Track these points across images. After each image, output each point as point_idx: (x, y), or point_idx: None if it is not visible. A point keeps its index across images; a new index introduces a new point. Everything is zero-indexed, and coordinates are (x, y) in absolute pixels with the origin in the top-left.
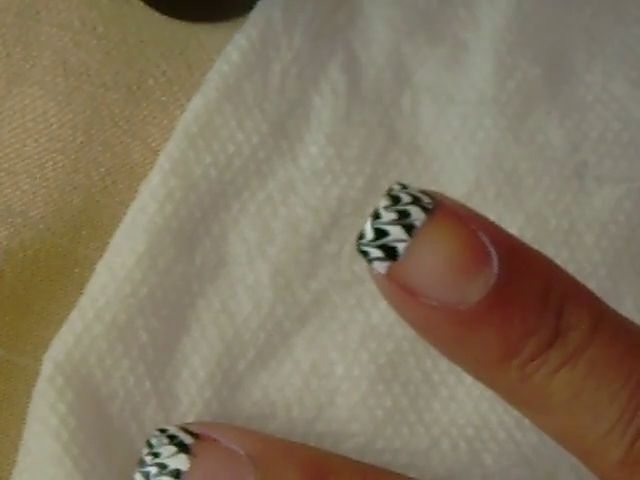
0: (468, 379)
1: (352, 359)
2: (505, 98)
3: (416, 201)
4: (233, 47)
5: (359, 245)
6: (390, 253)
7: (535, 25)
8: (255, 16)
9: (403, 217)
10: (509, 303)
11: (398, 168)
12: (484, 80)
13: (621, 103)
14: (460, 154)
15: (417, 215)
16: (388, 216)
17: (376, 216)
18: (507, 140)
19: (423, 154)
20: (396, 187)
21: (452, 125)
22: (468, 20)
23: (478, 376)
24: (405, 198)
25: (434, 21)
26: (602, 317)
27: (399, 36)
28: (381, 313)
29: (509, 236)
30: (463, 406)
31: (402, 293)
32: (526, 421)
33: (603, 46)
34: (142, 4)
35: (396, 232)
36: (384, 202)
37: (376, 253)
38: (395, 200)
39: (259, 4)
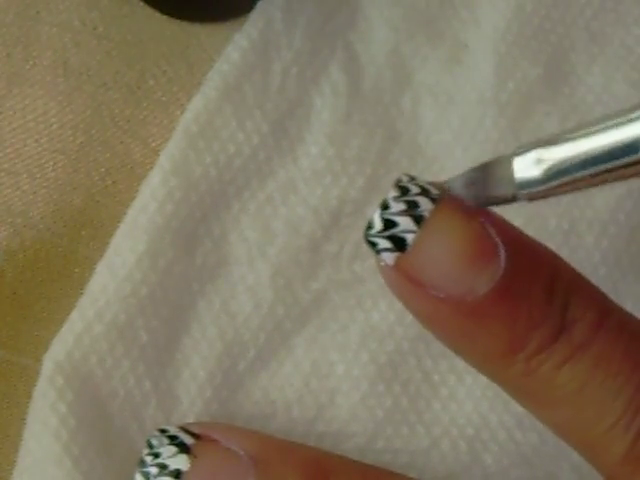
0: (468, 379)
1: (352, 359)
2: (505, 98)
3: (425, 192)
4: (233, 47)
5: (367, 235)
6: (398, 244)
7: (535, 25)
8: (255, 16)
9: (412, 208)
10: (515, 296)
11: (398, 168)
12: (484, 80)
13: (621, 104)
14: (460, 154)
15: (426, 206)
16: (397, 207)
17: (385, 206)
18: (507, 140)
19: (423, 154)
20: (405, 178)
21: (452, 125)
22: (468, 20)
23: (483, 369)
24: (414, 189)
25: (434, 21)
26: (607, 311)
27: (399, 36)
28: (381, 313)
29: (515, 230)
30: (463, 406)
31: (409, 284)
32: (526, 421)
33: (603, 47)
34: (142, 4)
35: (405, 223)
36: (393, 193)
37: (384, 244)
38: (404, 191)
39: (259, 4)
